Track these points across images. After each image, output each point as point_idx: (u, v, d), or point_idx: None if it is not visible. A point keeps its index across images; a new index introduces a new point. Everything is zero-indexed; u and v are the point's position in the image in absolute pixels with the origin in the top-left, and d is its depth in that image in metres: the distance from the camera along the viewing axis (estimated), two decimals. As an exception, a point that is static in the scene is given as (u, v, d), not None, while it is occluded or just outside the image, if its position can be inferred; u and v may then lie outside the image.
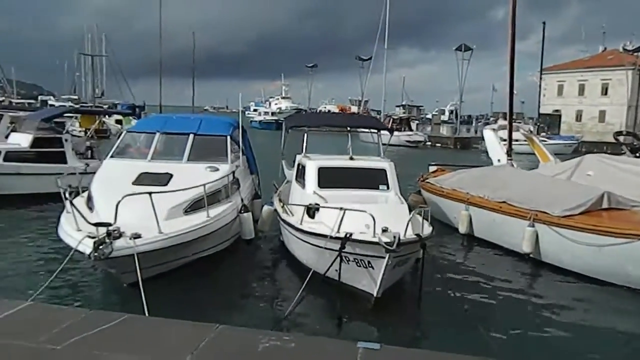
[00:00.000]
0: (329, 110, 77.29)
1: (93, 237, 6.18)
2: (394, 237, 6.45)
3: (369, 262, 7.02)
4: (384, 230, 6.61)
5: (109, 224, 6.30)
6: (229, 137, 10.48)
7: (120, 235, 6.31)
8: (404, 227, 6.78)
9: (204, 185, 7.87)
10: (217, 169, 9.37)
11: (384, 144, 11.31)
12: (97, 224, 6.36)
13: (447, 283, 8.01)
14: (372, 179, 9.41)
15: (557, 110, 55.26)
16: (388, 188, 9.30)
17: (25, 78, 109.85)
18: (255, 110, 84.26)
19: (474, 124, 58.36)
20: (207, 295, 7.54)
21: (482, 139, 19.27)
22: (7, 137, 16.39)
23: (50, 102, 50.64)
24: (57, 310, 4.82)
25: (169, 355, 3.70)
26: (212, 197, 8.36)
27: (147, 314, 5.22)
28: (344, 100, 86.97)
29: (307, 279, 6.95)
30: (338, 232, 6.93)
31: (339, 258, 6.90)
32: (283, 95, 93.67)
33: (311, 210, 8.07)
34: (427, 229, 7.57)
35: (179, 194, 7.76)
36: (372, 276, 7.08)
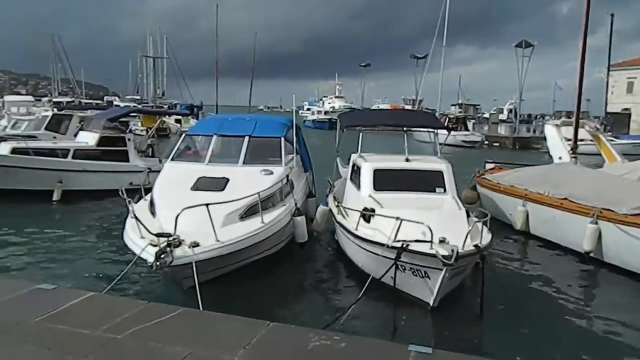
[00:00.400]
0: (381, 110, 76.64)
1: (155, 245, 6.43)
2: (452, 250, 6.28)
3: (425, 272, 6.90)
4: (442, 241, 6.46)
5: (169, 235, 6.52)
6: (283, 139, 10.52)
7: (180, 243, 6.52)
8: (463, 239, 6.57)
9: (258, 193, 7.96)
10: (272, 173, 9.42)
11: (440, 144, 11.03)
12: (158, 235, 6.58)
13: (506, 285, 7.72)
14: (428, 182, 9.17)
15: (626, 109, 51.99)
16: (445, 191, 9.05)
17: (92, 79, 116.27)
18: (308, 109, 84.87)
19: (533, 123, 55.98)
20: (260, 294, 7.64)
21: (543, 138, 18.40)
22: (75, 135, 17.40)
23: (115, 102, 53.21)
24: (117, 302, 5.05)
25: (222, 349, 3.77)
26: (267, 202, 8.42)
27: (201, 309, 5.35)
28: (397, 99, 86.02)
29: (366, 285, 6.83)
30: (394, 240, 6.82)
31: (394, 266, 6.82)
32: (336, 94, 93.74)
33: (366, 215, 8.02)
34: (487, 238, 7.29)
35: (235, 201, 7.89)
36: (428, 286, 6.96)
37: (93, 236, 10.97)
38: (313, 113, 76.72)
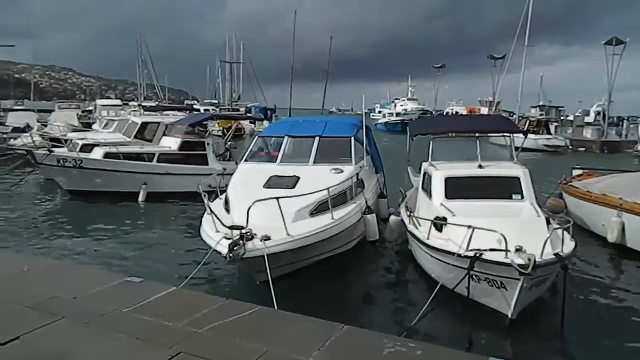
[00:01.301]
0: (456, 112, 74.48)
1: (228, 239, 6.67)
2: (529, 259, 5.89)
3: (501, 283, 6.58)
4: (518, 250, 6.09)
5: (242, 227, 6.74)
6: (352, 138, 10.60)
7: (252, 237, 6.72)
8: (541, 247, 6.18)
9: (327, 189, 8.03)
10: (342, 171, 9.51)
11: (516, 147, 10.52)
12: (231, 227, 6.84)
13: (592, 299, 7.19)
14: (504, 188, 8.75)
15: None
16: (522, 197, 8.57)
17: (174, 84, 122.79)
18: (380, 112, 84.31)
19: (624, 126, 51.93)
20: (332, 294, 7.69)
21: (635, 142, 17.02)
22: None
23: (195, 106, 55.83)
24: (198, 297, 5.27)
25: (297, 349, 3.82)
26: (337, 199, 8.47)
27: (276, 308, 5.46)
28: (472, 101, 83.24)
29: (435, 291, 6.67)
30: (467, 249, 6.54)
31: (468, 276, 6.54)
32: (409, 96, 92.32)
33: (438, 224, 7.80)
34: (569, 246, 6.80)
35: (305, 197, 8.02)
36: (505, 297, 6.62)
37: (174, 234, 11.58)
38: (384, 115, 76.06)
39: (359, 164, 10.29)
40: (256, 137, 11.75)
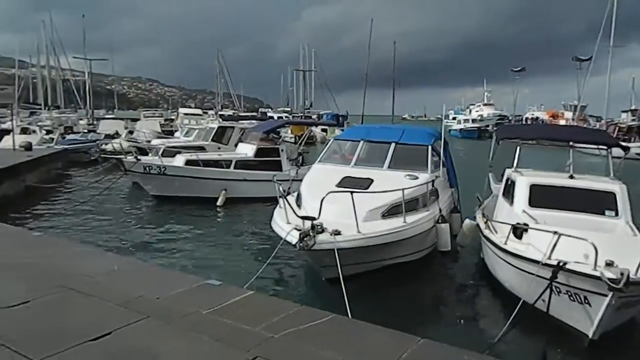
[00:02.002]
0: (536, 117, 70.90)
1: (299, 230, 6.80)
2: (622, 273, 5.31)
3: (585, 298, 6.00)
4: (609, 264, 5.52)
5: (314, 218, 6.86)
6: (430, 147, 10.40)
7: (323, 230, 6.80)
8: (637, 264, 5.58)
9: (402, 190, 7.92)
10: (417, 177, 9.36)
11: (614, 157, 9.76)
12: (303, 217, 6.99)
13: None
14: (596, 203, 8.06)
15: None
16: (617, 215, 7.85)
17: (249, 93, 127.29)
18: (454, 118, 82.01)
19: None
20: (404, 304, 7.55)
21: None
22: (235, 145, 19.13)
23: (269, 114, 57.39)
24: (273, 302, 5.35)
25: (372, 361, 3.76)
26: (410, 204, 8.35)
27: (349, 315, 5.43)
28: (554, 105, 78.70)
29: (516, 310, 6.21)
30: (549, 258, 6.06)
31: (548, 288, 6.02)
32: (485, 102, 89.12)
33: (518, 230, 7.25)
34: None
35: (378, 198, 8.00)
36: (588, 314, 6.04)
37: (250, 238, 11.95)
38: (459, 122, 73.93)
39: (434, 173, 10.08)
40: (332, 140, 11.86)
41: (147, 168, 15.60)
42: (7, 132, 26.48)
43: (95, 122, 43.72)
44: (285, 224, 7.38)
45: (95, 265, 5.98)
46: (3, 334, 4.00)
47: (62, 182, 20.08)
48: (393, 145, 10.24)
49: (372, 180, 8.96)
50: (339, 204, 7.13)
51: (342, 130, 33.96)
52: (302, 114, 60.02)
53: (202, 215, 14.26)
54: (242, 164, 16.49)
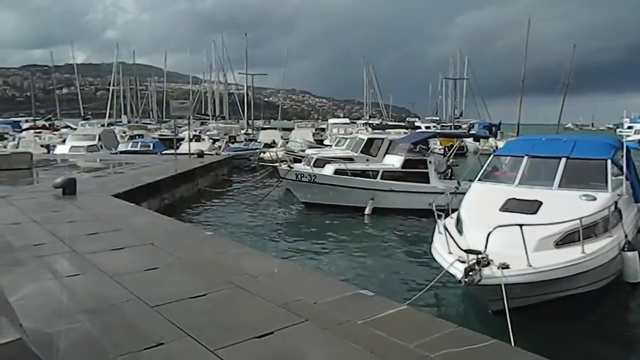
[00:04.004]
0: None
1: (463, 262, 6.42)
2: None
3: None
4: None
5: (479, 252, 6.39)
6: (609, 161, 9.08)
7: (489, 263, 6.34)
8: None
9: (580, 218, 7.08)
10: (595, 198, 8.25)
11: None
12: (467, 251, 6.50)
13: None
14: None
15: None
16: None
17: (397, 103, 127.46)
18: (630, 127, 72.24)
19: None
20: (578, 337, 6.78)
21: None
22: (383, 157, 19.28)
23: (416, 123, 56.79)
24: (428, 319, 5.20)
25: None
26: (589, 230, 7.39)
27: (512, 343, 5.05)
28: None
29: None
30: None
31: None
32: (669, 108, 77.01)
33: None
34: None
35: (550, 225, 7.23)
36: None
37: (399, 250, 11.92)
38: (637, 132, 64.91)
39: (616, 191, 8.85)
40: (492, 155, 11.18)
41: (299, 176, 16.49)
42: (182, 140, 30.25)
43: (254, 132, 47.66)
44: (447, 254, 7.01)
45: (258, 266, 6.44)
46: (186, 323, 4.52)
47: (227, 187, 22.21)
48: (564, 160, 9.13)
49: (540, 203, 8.11)
50: (506, 231, 6.57)
51: (495, 138, 32.19)
52: (451, 124, 58.25)
53: (350, 223, 14.62)
54: (389, 175, 16.54)
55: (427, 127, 47.52)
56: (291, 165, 17.30)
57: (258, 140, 37.79)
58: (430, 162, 16.88)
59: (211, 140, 35.92)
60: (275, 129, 49.77)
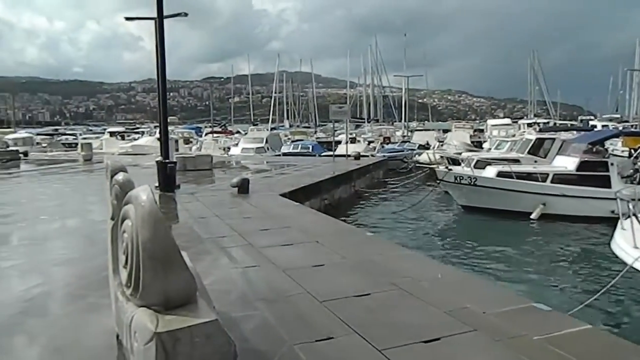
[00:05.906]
0: None
1: None
2: None
3: None
4: None
5: None
6: None
7: None
8: None
9: None
10: None
11: None
12: None
13: None
14: None
15: None
16: None
17: (567, 99, 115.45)
18: None
19: None
20: None
21: None
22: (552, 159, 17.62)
23: (591, 123, 50.82)
24: (615, 341, 4.61)
25: None
26: None
27: None
28: None
29: None
30: None
31: None
32: None
33: None
34: None
35: None
36: None
37: (572, 260, 10.80)
38: None
39: None
40: None
41: (458, 178, 15.91)
42: (339, 142, 31.36)
43: (409, 134, 47.32)
44: (631, 248, 6.54)
45: (420, 270, 6.38)
46: (352, 320, 4.67)
47: (382, 189, 22.45)
48: None
49: None
50: None
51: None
52: (637, 123, 50.87)
53: (516, 230, 13.69)
54: (561, 178, 15.11)
55: (603, 127, 42.19)
56: (449, 167, 16.79)
57: (412, 142, 37.52)
58: (612, 164, 14.98)
59: (367, 142, 36.70)
60: (429, 130, 48.85)
